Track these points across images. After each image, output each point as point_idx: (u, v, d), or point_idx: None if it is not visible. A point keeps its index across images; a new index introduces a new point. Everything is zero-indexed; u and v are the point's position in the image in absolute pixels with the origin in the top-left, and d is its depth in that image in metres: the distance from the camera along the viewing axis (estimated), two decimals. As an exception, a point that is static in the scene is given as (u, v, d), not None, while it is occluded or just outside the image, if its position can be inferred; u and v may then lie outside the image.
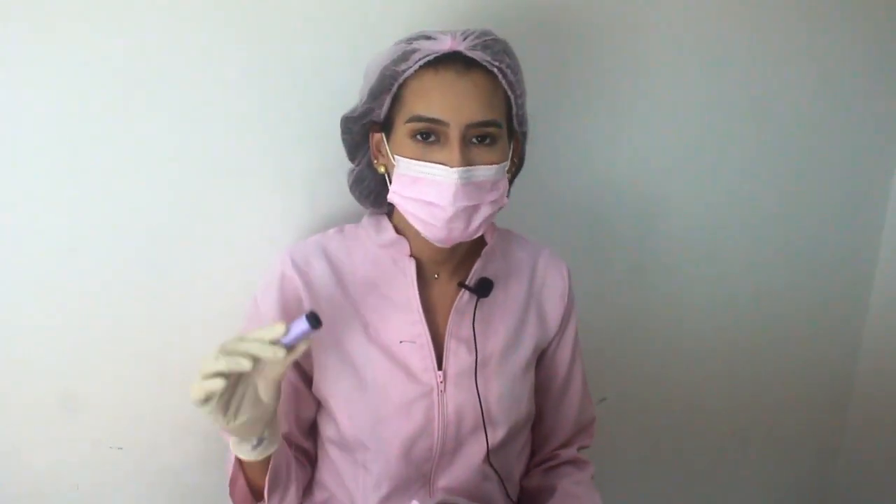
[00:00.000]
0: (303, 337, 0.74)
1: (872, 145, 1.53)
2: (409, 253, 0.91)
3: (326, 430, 0.96)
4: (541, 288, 1.00)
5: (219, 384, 0.70)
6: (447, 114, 0.80)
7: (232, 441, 0.81)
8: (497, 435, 0.93)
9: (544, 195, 1.23)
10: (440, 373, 0.90)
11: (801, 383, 1.65)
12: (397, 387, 0.89)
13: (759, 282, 1.51)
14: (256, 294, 0.93)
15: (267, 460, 0.83)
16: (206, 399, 0.71)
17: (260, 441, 0.80)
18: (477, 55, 0.82)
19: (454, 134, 0.80)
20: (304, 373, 0.94)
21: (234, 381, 0.73)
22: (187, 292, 1.04)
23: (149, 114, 0.97)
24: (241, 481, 0.86)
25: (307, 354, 0.92)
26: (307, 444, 0.99)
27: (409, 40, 0.84)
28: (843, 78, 1.44)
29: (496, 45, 0.84)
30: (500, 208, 0.87)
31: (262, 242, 1.04)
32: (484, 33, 0.84)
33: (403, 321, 0.91)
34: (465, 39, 0.82)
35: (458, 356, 0.91)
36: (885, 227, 1.61)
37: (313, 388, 0.93)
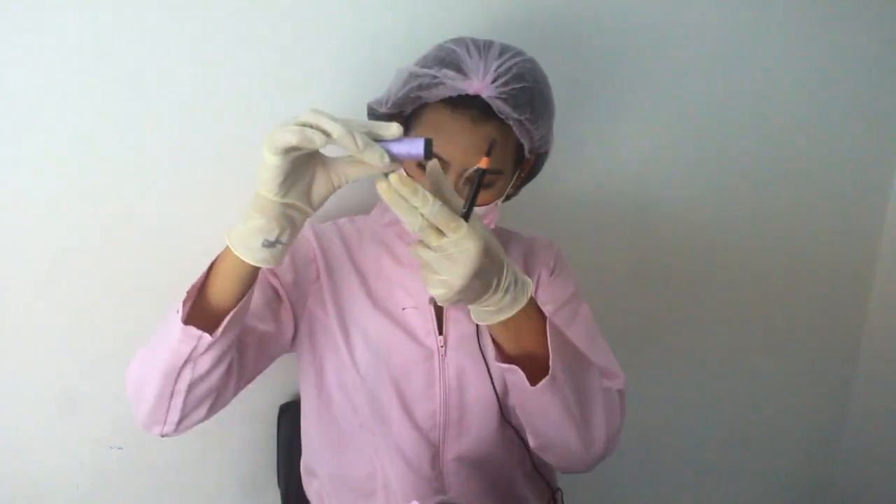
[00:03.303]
0: (407, 158, 0.65)
1: (872, 145, 1.53)
2: None
3: (334, 397, 0.95)
4: (534, 267, 1.02)
5: (318, 138, 0.61)
6: (451, 156, 0.82)
7: (242, 233, 0.69)
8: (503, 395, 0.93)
9: (545, 194, 1.23)
10: (441, 337, 0.93)
11: (801, 383, 1.66)
12: (399, 349, 0.92)
13: (760, 281, 1.51)
14: None
15: (250, 280, 0.73)
16: (292, 148, 0.63)
17: (274, 243, 0.69)
18: (498, 105, 0.81)
19: (452, 173, 0.83)
20: (296, 316, 0.93)
21: (303, 160, 0.66)
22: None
23: (149, 114, 0.97)
24: (207, 291, 0.74)
25: (309, 306, 0.93)
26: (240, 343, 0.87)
27: (441, 66, 0.83)
28: (843, 78, 1.44)
29: (522, 96, 0.82)
30: None
31: (262, 242, 1.04)
32: (516, 77, 0.82)
33: (408, 289, 0.94)
34: (493, 82, 0.81)
35: (458, 322, 0.94)
36: (885, 227, 1.61)
37: (312, 347, 0.94)
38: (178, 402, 0.76)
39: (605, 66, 1.22)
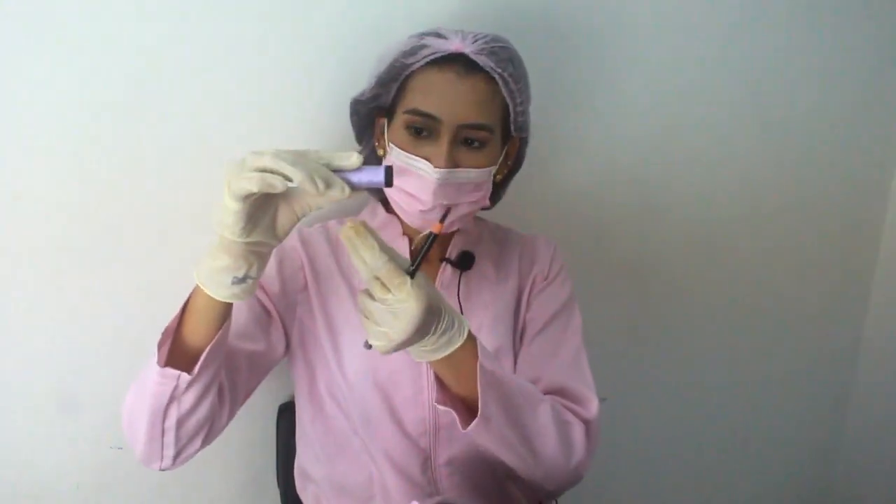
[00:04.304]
0: (368, 186, 0.65)
1: (872, 145, 1.53)
2: (401, 232, 0.96)
3: (324, 406, 0.95)
4: (531, 266, 1.01)
5: (279, 183, 0.61)
6: (442, 112, 0.83)
7: (210, 269, 0.70)
8: None
9: (544, 194, 1.23)
10: None
11: (801, 383, 1.65)
12: (386, 356, 0.89)
13: (759, 281, 1.51)
14: None
15: (223, 315, 0.74)
16: (253, 193, 0.62)
17: (244, 279, 0.70)
18: (481, 60, 0.85)
19: (445, 132, 0.84)
20: (286, 328, 0.94)
21: (264, 199, 0.66)
22: (188, 292, 1.04)
23: (149, 114, 0.97)
24: (182, 330, 0.74)
25: (295, 316, 0.93)
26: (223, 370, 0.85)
27: (422, 35, 0.88)
28: (843, 77, 1.44)
29: (502, 53, 0.86)
30: (479, 208, 0.91)
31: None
32: (494, 39, 0.87)
33: None
34: (473, 42, 0.85)
35: None
36: (885, 227, 1.61)
37: (304, 355, 0.94)
38: (169, 438, 0.77)
39: (605, 65, 1.22)
